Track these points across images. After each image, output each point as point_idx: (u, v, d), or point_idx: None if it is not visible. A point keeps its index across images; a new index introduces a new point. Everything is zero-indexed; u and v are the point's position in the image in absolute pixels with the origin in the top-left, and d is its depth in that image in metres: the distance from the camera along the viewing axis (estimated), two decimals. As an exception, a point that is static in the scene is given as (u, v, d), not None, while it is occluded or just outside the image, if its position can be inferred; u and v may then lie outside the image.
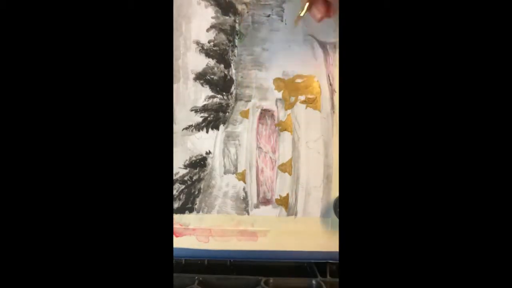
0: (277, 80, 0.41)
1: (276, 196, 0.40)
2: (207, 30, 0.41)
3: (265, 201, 0.40)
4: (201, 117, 0.41)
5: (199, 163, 0.40)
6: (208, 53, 0.41)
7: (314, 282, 0.38)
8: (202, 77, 0.41)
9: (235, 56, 0.41)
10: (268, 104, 0.41)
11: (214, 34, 0.41)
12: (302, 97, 0.40)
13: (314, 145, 0.40)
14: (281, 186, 0.40)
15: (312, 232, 0.39)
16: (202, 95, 0.41)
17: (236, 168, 0.40)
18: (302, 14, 0.34)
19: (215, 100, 0.41)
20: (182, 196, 0.40)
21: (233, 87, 0.41)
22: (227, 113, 0.41)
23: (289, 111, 0.41)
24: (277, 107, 0.41)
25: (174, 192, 0.40)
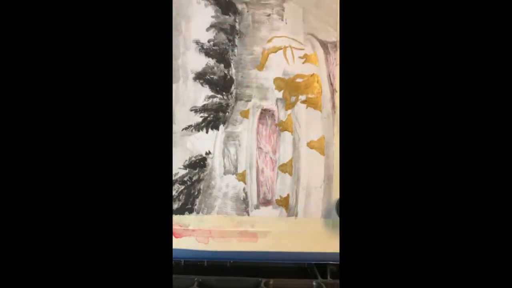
0: (277, 80, 0.40)
1: (277, 197, 0.40)
2: (207, 30, 0.41)
3: (266, 202, 0.40)
4: (201, 117, 0.40)
5: (198, 164, 0.40)
6: (208, 52, 0.41)
7: (314, 283, 0.38)
8: (202, 76, 0.41)
9: (235, 55, 0.41)
10: (269, 104, 0.41)
11: (214, 33, 0.41)
12: (302, 97, 0.40)
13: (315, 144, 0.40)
14: (282, 186, 0.40)
15: (312, 233, 0.39)
16: (202, 95, 0.41)
17: (236, 169, 0.40)
18: None
19: (215, 100, 0.41)
20: (182, 197, 0.40)
21: (233, 87, 0.41)
22: (227, 113, 0.41)
23: (289, 111, 0.40)
24: (278, 107, 0.40)
25: (174, 192, 0.40)
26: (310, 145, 0.40)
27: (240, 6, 0.41)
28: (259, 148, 0.40)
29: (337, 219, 0.39)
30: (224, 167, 0.40)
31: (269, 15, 0.41)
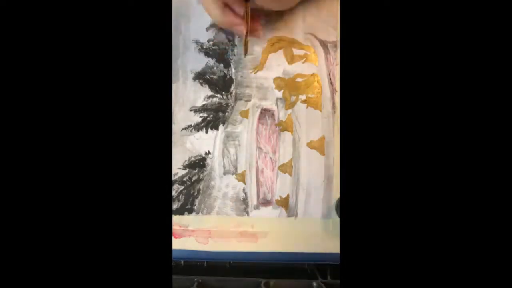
0: (277, 79, 0.40)
1: (276, 197, 0.40)
2: (207, 29, 0.41)
3: (265, 202, 0.40)
4: (201, 117, 0.40)
5: (198, 164, 0.40)
6: (207, 52, 0.41)
7: (314, 284, 0.37)
8: (201, 76, 0.41)
9: (234, 55, 0.41)
10: (268, 104, 0.40)
11: (214, 33, 0.41)
12: (302, 97, 0.40)
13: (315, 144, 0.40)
14: (282, 187, 0.40)
15: (312, 233, 0.39)
16: (202, 94, 0.41)
17: (235, 169, 0.40)
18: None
19: (215, 100, 0.41)
20: (181, 197, 0.40)
21: (232, 87, 0.41)
22: (227, 113, 0.40)
23: (289, 111, 0.40)
24: (278, 107, 0.40)
25: (173, 193, 0.40)
26: (310, 145, 0.40)
27: (240, 6, 0.41)
28: (259, 148, 0.40)
29: (337, 219, 0.39)
30: (224, 167, 0.40)
31: (269, 14, 0.41)
